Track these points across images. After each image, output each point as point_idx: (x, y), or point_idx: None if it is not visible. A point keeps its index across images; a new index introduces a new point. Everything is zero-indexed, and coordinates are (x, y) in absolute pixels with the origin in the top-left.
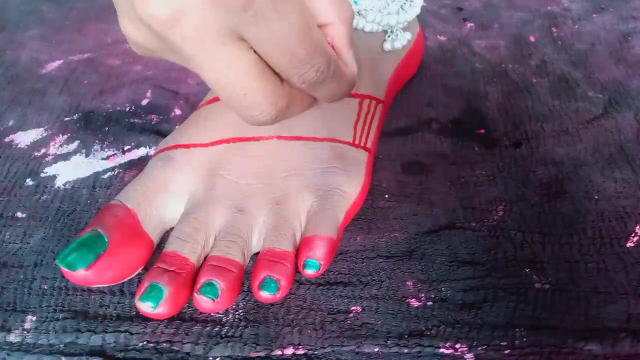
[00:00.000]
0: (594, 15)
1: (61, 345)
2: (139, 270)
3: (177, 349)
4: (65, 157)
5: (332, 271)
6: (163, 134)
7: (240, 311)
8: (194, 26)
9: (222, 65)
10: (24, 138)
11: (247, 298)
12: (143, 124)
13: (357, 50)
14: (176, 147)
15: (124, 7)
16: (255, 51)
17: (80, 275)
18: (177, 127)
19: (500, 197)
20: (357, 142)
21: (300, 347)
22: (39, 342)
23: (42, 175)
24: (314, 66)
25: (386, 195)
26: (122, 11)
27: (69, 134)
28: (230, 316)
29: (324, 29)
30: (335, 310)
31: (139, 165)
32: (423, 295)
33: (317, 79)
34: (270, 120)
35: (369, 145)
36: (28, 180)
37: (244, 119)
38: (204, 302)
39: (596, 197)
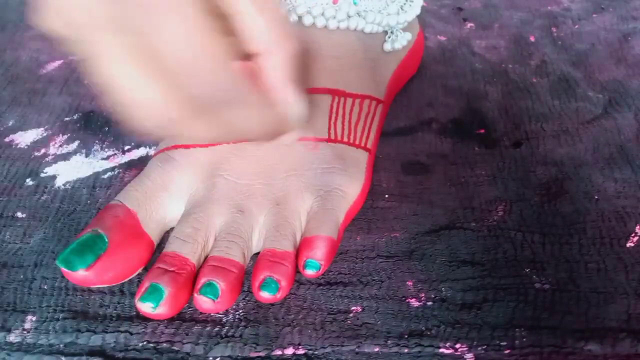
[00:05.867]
0: (594, 15)
1: (61, 345)
2: (139, 270)
3: (177, 349)
4: (65, 157)
5: (332, 271)
6: None
7: (241, 311)
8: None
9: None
10: (24, 138)
11: (247, 298)
12: None
13: (357, 51)
14: (176, 147)
15: None
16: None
17: (81, 275)
18: None
19: (500, 197)
20: (357, 142)
21: (300, 347)
22: (39, 342)
23: (42, 175)
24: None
25: (386, 195)
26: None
27: (69, 134)
28: (230, 316)
29: (255, 60)
30: (335, 310)
31: (139, 165)
32: (423, 295)
33: (211, 98)
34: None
35: (369, 145)
36: (28, 180)
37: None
38: (204, 303)
39: (596, 197)
